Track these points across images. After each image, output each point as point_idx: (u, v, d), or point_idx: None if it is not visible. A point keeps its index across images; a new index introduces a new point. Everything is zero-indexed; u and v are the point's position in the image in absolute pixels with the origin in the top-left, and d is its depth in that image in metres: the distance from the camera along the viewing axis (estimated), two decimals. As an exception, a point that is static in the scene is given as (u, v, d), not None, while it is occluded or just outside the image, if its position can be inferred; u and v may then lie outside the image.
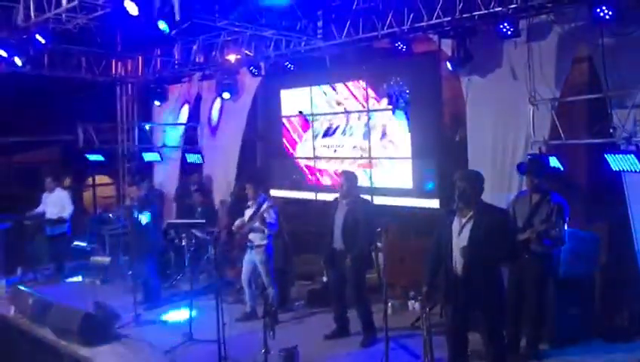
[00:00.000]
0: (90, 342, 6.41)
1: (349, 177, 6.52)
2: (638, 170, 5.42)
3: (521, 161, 6.42)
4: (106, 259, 9.44)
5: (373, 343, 6.22)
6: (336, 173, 9.16)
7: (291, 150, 10.32)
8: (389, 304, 6.56)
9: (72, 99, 10.77)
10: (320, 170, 9.81)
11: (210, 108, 10.87)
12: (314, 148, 9.88)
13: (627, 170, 5.56)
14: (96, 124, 10.80)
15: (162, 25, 5.54)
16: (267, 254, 7.16)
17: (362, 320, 6.38)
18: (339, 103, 9.40)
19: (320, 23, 7.85)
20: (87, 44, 9.15)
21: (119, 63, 11.03)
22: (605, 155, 5.60)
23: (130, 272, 8.69)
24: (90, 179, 12.90)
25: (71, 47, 9.30)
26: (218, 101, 10.61)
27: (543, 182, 5.60)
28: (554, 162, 6.13)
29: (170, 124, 11.50)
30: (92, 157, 10.85)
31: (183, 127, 11.39)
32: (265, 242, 7.14)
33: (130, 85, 11.48)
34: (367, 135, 8.97)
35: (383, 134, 8.80)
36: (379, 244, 8.08)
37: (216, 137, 10.79)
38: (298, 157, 10.17)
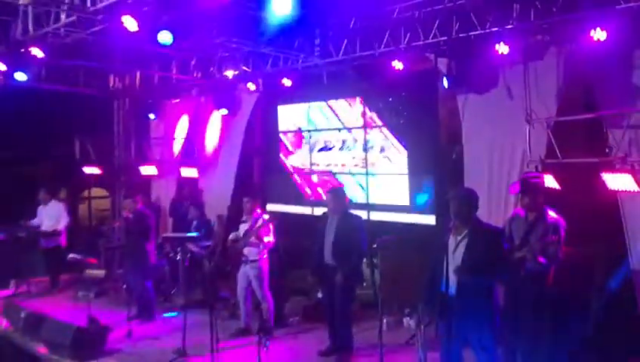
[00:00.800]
0: (82, 357, 6.37)
1: (336, 194, 6.51)
2: (633, 190, 5.44)
3: (515, 180, 6.43)
4: (101, 272, 9.38)
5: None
6: (324, 189, 9.21)
7: (288, 165, 10.34)
8: (384, 320, 6.55)
9: (69, 113, 10.78)
10: (316, 185, 9.82)
11: (208, 123, 10.89)
12: (311, 164, 9.91)
13: (623, 190, 5.58)
14: (93, 138, 10.81)
15: (163, 36, 5.56)
16: (261, 269, 7.14)
17: (342, 337, 6.33)
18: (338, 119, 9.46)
19: (317, 41, 7.90)
20: (85, 58, 9.19)
21: (117, 78, 11.07)
22: (601, 175, 5.62)
23: (125, 286, 8.66)
24: (85, 192, 12.86)
25: (68, 61, 9.34)
26: (215, 116, 10.64)
27: (537, 201, 5.60)
28: (550, 181, 6.14)
29: (166, 138, 11.51)
30: (88, 170, 10.85)
31: (180, 141, 11.38)
32: (259, 257, 7.12)
33: (127, 99, 11.51)
34: (365, 148, 9.01)
35: (381, 150, 8.83)
36: (375, 260, 8.09)
37: (213, 152, 10.79)
38: (295, 172, 10.18)
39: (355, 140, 9.19)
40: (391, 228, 8.21)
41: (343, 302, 6.29)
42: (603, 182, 5.63)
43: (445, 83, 6.92)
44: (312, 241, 6.64)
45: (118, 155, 11.58)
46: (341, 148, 9.44)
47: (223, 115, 10.30)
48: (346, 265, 6.16)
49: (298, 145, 10.10)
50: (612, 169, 5.65)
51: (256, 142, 10.99)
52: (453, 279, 4.52)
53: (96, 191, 12.78)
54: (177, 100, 11.32)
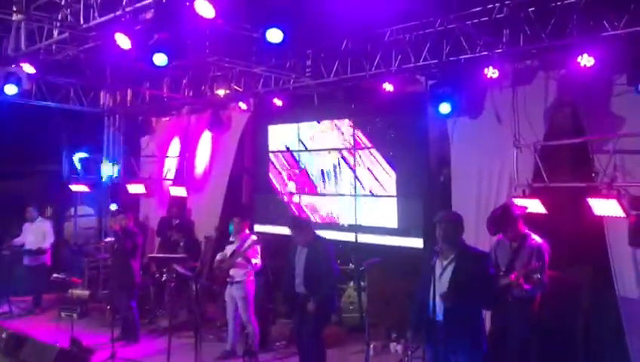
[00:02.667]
0: (64, 379, 6.23)
1: (297, 225, 6.28)
2: (619, 215, 5.46)
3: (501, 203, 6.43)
4: (85, 293, 9.26)
5: None
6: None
7: (277, 185, 10.32)
8: (371, 345, 6.48)
9: (58, 129, 10.73)
10: (305, 206, 9.80)
11: (198, 142, 10.87)
12: (297, 184, 9.91)
13: (609, 215, 5.61)
14: (81, 155, 10.75)
15: (159, 58, 5.56)
16: (246, 290, 7.07)
17: None
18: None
19: (309, 62, 7.96)
20: (77, 75, 9.18)
21: (107, 95, 11.05)
22: (587, 200, 5.65)
23: (109, 307, 8.54)
24: (72, 210, 12.73)
25: (59, 78, 9.32)
26: (206, 135, 10.63)
27: (516, 230, 5.61)
28: (536, 205, 6.16)
29: (157, 156, 11.47)
30: (75, 187, 10.76)
31: (170, 159, 11.34)
32: (245, 278, 7.05)
33: (117, 117, 11.48)
34: (354, 170, 9.02)
35: (370, 171, 8.86)
36: (362, 283, 8.05)
37: (203, 171, 10.76)
38: (284, 193, 10.16)
39: (346, 161, 9.21)
40: (378, 250, 8.17)
41: (314, 331, 6.06)
42: (589, 206, 5.66)
43: (441, 107, 6.88)
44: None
45: (106, 173, 11.48)
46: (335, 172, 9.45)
47: (213, 134, 10.30)
48: (319, 294, 5.94)
49: (290, 164, 10.08)
50: (598, 194, 5.68)
51: (246, 162, 10.97)
52: (440, 304, 4.49)
53: (82, 210, 12.66)
54: (168, 118, 11.31)
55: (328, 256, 6.08)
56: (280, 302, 8.35)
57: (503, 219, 5.68)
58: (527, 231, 5.63)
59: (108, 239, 9.68)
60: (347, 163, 9.19)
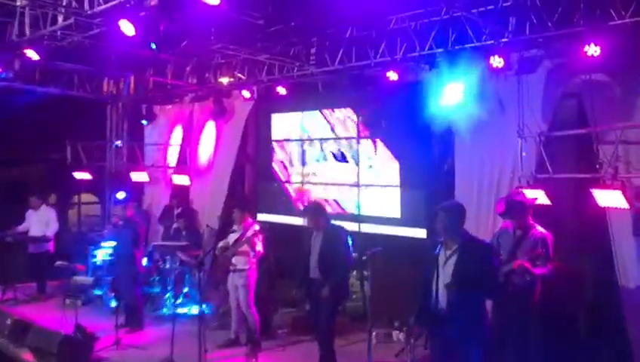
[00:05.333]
0: (68, 365, 6.27)
1: (312, 211, 6.38)
2: (623, 206, 5.45)
3: (505, 194, 6.42)
4: (89, 280, 9.30)
5: None
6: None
7: (280, 174, 10.32)
8: (374, 333, 6.51)
9: (62, 116, 10.73)
10: (308, 195, 9.80)
11: (202, 130, 10.86)
12: (302, 174, 9.90)
13: (613, 206, 5.60)
14: (85, 142, 10.76)
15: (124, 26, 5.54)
16: (248, 279, 7.08)
17: (323, 352, 6.19)
18: (332, 129, 9.46)
19: (313, 50, 7.92)
20: (80, 62, 9.16)
21: (111, 82, 11.03)
22: (591, 191, 5.64)
23: (113, 294, 8.58)
24: (75, 197, 12.76)
25: (63, 63, 9.31)
26: (210, 123, 10.61)
27: (523, 219, 5.61)
28: (540, 196, 6.15)
29: (159, 144, 11.47)
30: (79, 175, 10.77)
31: (173, 147, 11.34)
32: (247, 267, 7.06)
33: (121, 104, 11.47)
34: (356, 160, 9.01)
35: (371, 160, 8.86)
36: (365, 273, 8.06)
37: (207, 160, 10.75)
38: (287, 182, 10.17)
39: (350, 149, 9.20)
40: (381, 240, 8.18)
41: (327, 316, 6.17)
42: (593, 197, 5.65)
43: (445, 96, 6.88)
44: (300, 254, 6.57)
45: (110, 160, 11.50)
46: (336, 159, 9.44)
47: (217, 123, 10.28)
48: (332, 279, 6.06)
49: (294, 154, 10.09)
50: (602, 185, 5.66)
51: (249, 150, 10.97)
52: (443, 293, 4.50)
53: (86, 197, 12.68)
54: (171, 106, 11.30)
55: (343, 242, 6.19)
56: (283, 290, 8.39)
57: (518, 204, 5.67)
58: (532, 222, 5.63)
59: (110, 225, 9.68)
60: (350, 151, 9.19)
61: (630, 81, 5.64)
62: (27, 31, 6.91)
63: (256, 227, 7.13)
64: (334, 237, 6.20)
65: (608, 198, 5.54)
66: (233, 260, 7.10)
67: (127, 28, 5.82)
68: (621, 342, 5.88)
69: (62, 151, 10.62)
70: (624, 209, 5.52)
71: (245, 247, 7.00)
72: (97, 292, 9.20)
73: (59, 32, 7.16)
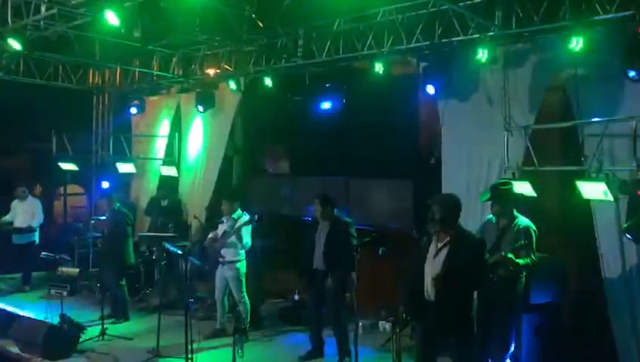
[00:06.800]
0: (54, 356, 6.26)
1: (323, 200, 6.40)
2: (608, 199, 5.50)
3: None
4: (75, 271, 9.26)
5: None
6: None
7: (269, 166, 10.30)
8: (360, 323, 6.55)
9: (47, 106, 10.62)
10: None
11: (189, 122, 10.78)
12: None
13: (597, 199, 5.65)
14: (70, 133, 10.66)
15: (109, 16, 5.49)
16: (239, 270, 7.10)
17: (339, 343, 6.30)
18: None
19: (301, 42, 7.89)
20: (65, 52, 9.06)
21: (97, 72, 10.93)
22: (576, 183, 5.69)
23: (99, 285, 8.55)
24: (61, 189, 12.66)
25: (48, 54, 9.21)
26: (198, 114, 10.54)
27: (507, 207, 5.65)
28: (527, 188, 6.20)
29: (147, 135, 11.38)
30: (65, 166, 10.68)
31: (160, 139, 11.25)
32: (237, 258, 7.08)
33: (106, 95, 11.37)
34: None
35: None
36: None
37: (195, 151, 10.68)
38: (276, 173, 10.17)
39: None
40: (369, 231, 8.20)
41: (335, 307, 6.28)
42: (578, 190, 5.70)
43: (430, 89, 6.92)
44: (290, 244, 6.60)
45: (96, 151, 11.42)
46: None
47: (204, 114, 10.21)
48: (338, 271, 6.16)
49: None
50: (587, 178, 5.71)
51: (237, 142, 10.91)
52: (431, 285, 4.52)
53: (72, 188, 12.59)
54: (158, 97, 11.20)
55: (349, 234, 6.24)
56: (271, 281, 8.42)
57: (504, 191, 5.70)
58: (516, 213, 5.68)
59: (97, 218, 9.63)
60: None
61: (615, 75, 5.68)
62: (9, 20, 6.81)
63: (245, 218, 7.13)
64: (341, 229, 6.26)
65: (593, 191, 5.59)
66: (222, 252, 7.11)
67: (112, 18, 5.76)
68: (604, 331, 5.95)
69: (47, 141, 10.52)
70: (608, 201, 5.58)
71: (234, 239, 7.01)
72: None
73: (42, 22, 7.08)
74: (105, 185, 9.28)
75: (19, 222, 9.54)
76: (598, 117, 5.86)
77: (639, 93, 5.54)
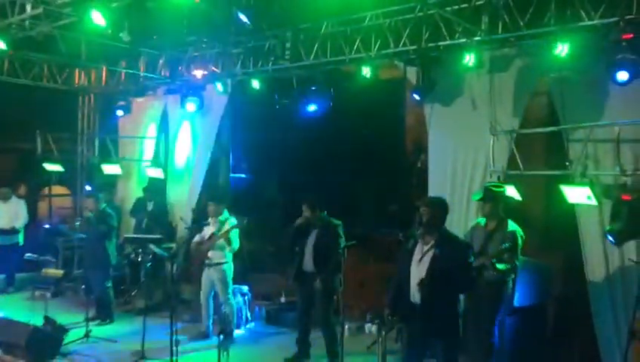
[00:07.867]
0: (37, 358, 6.19)
1: (312, 203, 6.42)
2: (592, 203, 5.57)
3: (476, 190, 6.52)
4: (59, 272, 9.16)
5: None
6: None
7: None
8: (346, 326, 6.56)
9: (32, 107, 10.52)
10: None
11: (176, 123, 10.72)
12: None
13: (582, 203, 5.71)
14: (55, 134, 10.56)
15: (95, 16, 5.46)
16: (225, 273, 7.08)
17: (327, 345, 6.31)
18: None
19: (288, 44, 7.89)
20: (50, 52, 8.98)
21: (83, 73, 10.85)
22: (561, 187, 5.75)
23: (83, 286, 8.48)
24: (46, 189, 12.54)
25: (33, 54, 9.12)
26: (186, 116, 10.47)
27: (498, 210, 5.71)
28: (512, 192, 6.26)
29: (133, 137, 11.30)
30: (50, 166, 10.58)
31: (147, 141, 11.17)
32: (224, 260, 7.06)
33: (92, 96, 11.28)
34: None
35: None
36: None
37: (182, 153, 10.61)
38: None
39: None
40: (355, 234, 8.22)
41: (324, 308, 6.29)
42: (562, 194, 5.76)
43: (416, 96, 6.96)
44: (276, 246, 6.60)
45: (81, 152, 11.32)
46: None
47: (193, 116, 10.16)
48: (327, 273, 6.17)
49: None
50: (571, 182, 5.77)
51: (224, 144, 10.88)
52: (417, 288, 4.54)
53: (57, 189, 12.47)
54: (145, 98, 11.12)
55: (338, 236, 6.25)
56: (257, 284, 8.40)
57: (496, 193, 5.74)
58: (505, 216, 5.73)
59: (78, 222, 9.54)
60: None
61: (599, 80, 5.75)
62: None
63: (232, 220, 7.12)
64: (330, 231, 6.28)
65: (577, 195, 5.65)
66: (209, 254, 7.09)
67: (98, 18, 5.73)
68: (587, 332, 6.01)
69: (32, 142, 10.41)
70: (592, 205, 5.64)
71: (221, 241, 6.99)
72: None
73: (27, 22, 7.02)
74: (87, 188, 9.19)
75: (2, 223, 9.43)
76: (583, 122, 5.93)
77: (623, 98, 5.63)
